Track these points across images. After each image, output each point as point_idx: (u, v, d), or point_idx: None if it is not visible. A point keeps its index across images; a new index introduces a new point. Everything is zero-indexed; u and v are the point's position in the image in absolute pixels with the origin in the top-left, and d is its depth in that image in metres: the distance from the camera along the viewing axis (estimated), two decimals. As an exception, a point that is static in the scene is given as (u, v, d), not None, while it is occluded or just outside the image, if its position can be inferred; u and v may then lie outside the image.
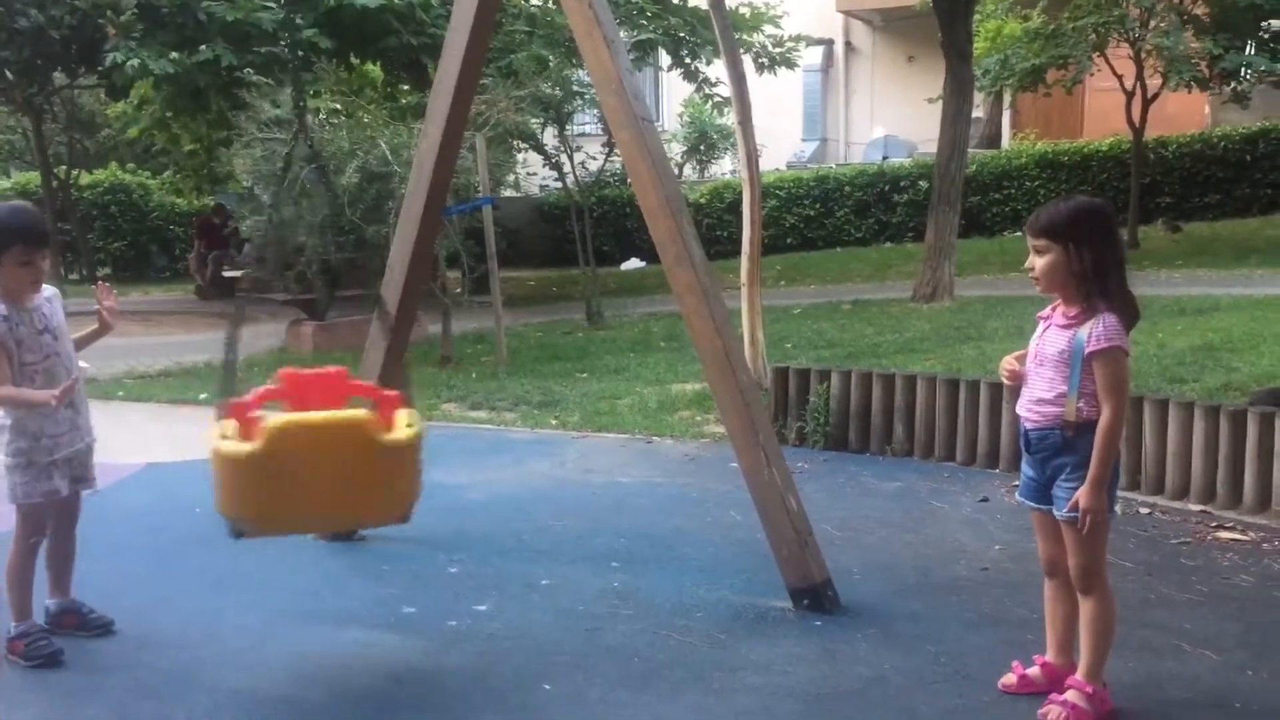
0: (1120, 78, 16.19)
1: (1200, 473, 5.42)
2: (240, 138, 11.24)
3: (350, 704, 3.63)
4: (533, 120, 13.29)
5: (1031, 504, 3.46)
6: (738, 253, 8.33)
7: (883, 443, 6.64)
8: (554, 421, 7.88)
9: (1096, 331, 3.21)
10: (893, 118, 23.09)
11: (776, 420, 6.79)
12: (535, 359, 10.66)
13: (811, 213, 20.21)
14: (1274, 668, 3.69)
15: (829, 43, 24.21)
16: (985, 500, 5.64)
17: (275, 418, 3.60)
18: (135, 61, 13.17)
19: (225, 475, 3.53)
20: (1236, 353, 8.01)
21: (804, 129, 24.56)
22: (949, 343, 9.71)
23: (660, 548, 5.05)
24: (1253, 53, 16.21)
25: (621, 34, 7.67)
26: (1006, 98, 20.72)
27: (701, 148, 20.58)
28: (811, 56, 22.00)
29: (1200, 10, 15.94)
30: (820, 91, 24.57)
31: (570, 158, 14.25)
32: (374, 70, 17.00)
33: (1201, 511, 5.31)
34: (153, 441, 7.38)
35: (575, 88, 13.99)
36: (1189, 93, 16.70)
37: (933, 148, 13.65)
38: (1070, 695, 3.33)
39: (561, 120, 13.98)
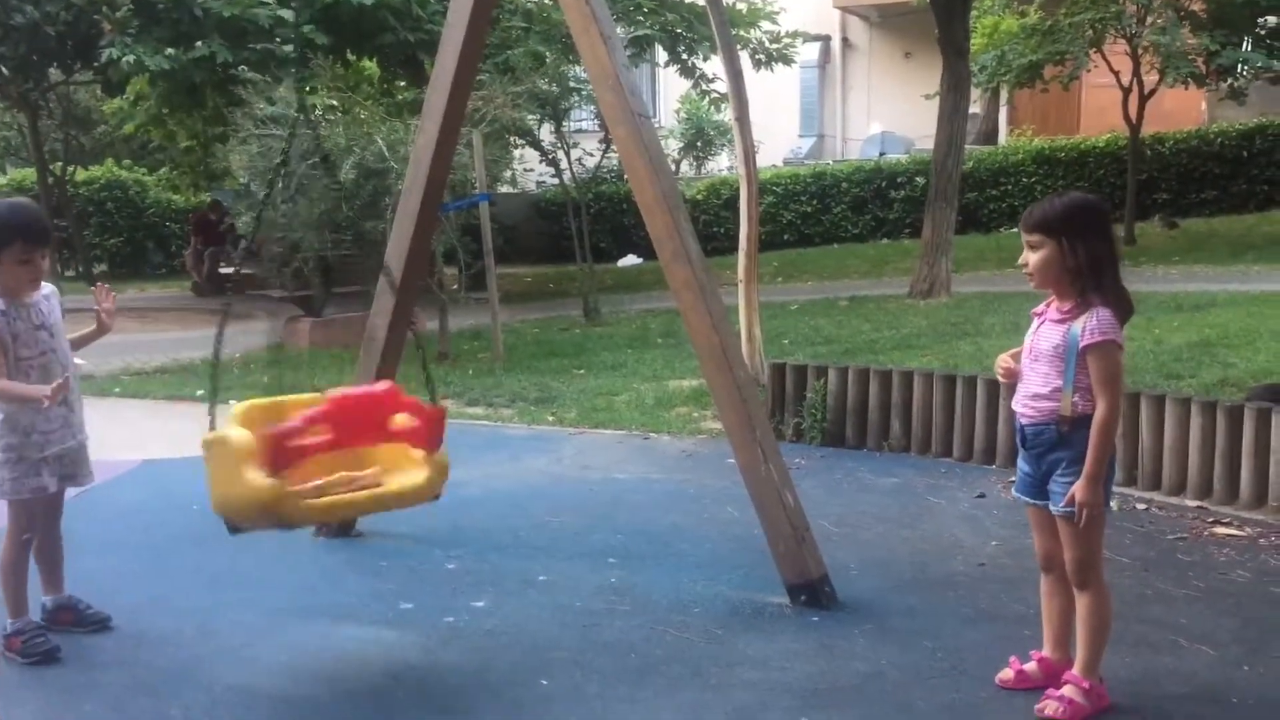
0: (1117, 74, 16.19)
1: (1197, 468, 5.42)
2: (236, 134, 11.23)
3: (347, 700, 3.63)
4: (529, 116, 13.28)
5: (1027, 499, 3.46)
6: (735, 249, 8.32)
7: (880, 439, 6.64)
8: (551, 418, 7.88)
9: (1090, 325, 3.22)
10: (890, 114, 23.09)
11: (774, 416, 6.79)
12: (532, 355, 10.65)
13: (808, 209, 20.22)
14: (1270, 662, 3.69)
15: (826, 39, 24.21)
16: (982, 496, 5.65)
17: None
18: (131, 58, 13.15)
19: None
20: (1233, 348, 8.01)
21: (801, 125, 24.57)
22: (946, 339, 9.71)
23: (657, 544, 5.05)
24: (1249, 49, 16.22)
25: (618, 30, 7.66)
26: (1003, 94, 20.72)
27: (698, 144, 20.60)
28: (808, 53, 22.01)
29: (1197, 6, 15.94)
30: (817, 88, 24.57)
31: (567, 154, 14.25)
32: (370, 66, 16.98)
33: (1198, 507, 5.31)
34: (149, 438, 7.37)
35: (572, 84, 13.99)
36: (1186, 89, 16.71)
37: (930, 144, 13.64)
38: (1067, 690, 3.34)
39: (558, 116, 13.98)
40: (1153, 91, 16.29)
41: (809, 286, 15.09)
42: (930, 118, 13.52)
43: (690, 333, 4.48)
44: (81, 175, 22.32)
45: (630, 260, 19.71)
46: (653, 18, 15.10)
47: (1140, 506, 5.41)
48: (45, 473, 3.91)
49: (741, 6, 16.72)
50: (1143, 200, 17.59)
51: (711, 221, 19.40)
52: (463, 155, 9.96)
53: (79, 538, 4.47)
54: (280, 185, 9.90)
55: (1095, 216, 3.33)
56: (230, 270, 17.06)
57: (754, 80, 11.71)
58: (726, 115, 16.28)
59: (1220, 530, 5.03)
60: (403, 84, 16.81)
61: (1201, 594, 4.31)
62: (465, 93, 5.10)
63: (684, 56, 16.04)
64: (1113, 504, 5.30)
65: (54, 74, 17.93)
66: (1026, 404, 3.38)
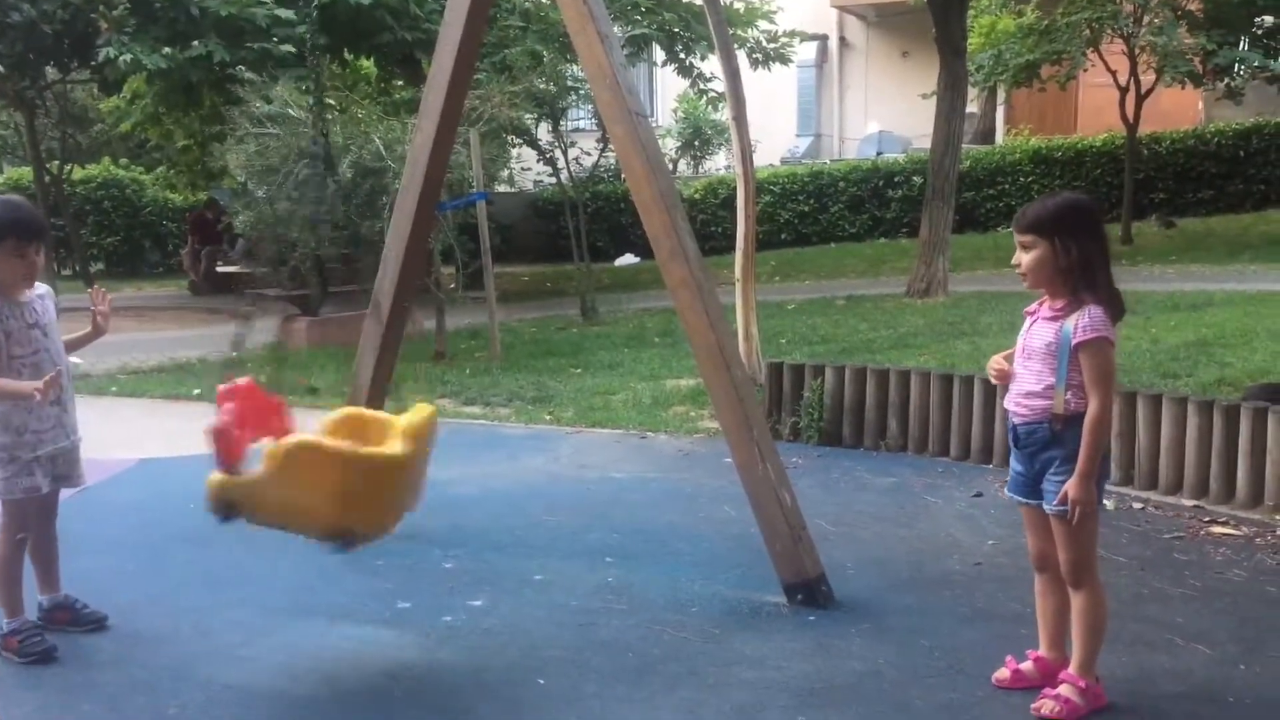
0: (1114, 73, 16.21)
1: (1193, 468, 5.43)
2: (234, 133, 11.23)
3: (344, 699, 3.63)
4: (527, 115, 13.28)
5: (1021, 499, 3.47)
6: (732, 248, 8.33)
7: (877, 438, 6.65)
8: (548, 417, 7.88)
9: (1082, 323, 3.23)
10: (887, 113, 23.10)
11: (771, 416, 6.80)
12: (529, 354, 10.65)
13: (806, 208, 20.22)
14: (1267, 661, 3.70)
15: (823, 38, 24.21)
16: (979, 495, 5.65)
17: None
18: (128, 57, 13.13)
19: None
20: (1230, 348, 8.03)
21: (798, 124, 24.57)
22: (943, 338, 9.72)
23: (654, 543, 5.05)
24: (1246, 48, 16.24)
25: (616, 29, 7.67)
26: (1000, 93, 20.74)
27: (696, 143, 20.59)
28: (806, 52, 22.01)
29: (1194, 6, 15.96)
30: (815, 87, 24.58)
31: (564, 153, 14.24)
32: (368, 66, 16.97)
33: (1195, 506, 5.32)
34: (146, 437, 7.37)
35: (569, 83, 13.98)
36: (1182, 89, 16.73)
37: (927, 143, 13.65)
38: (1063, 689, 3.34)
39: (556, 115, 13.97)
40: (1149, 91, 16.30)
41: (806, 286, 15.09)
42: (927, 117, 13.53)
43: (687, 332, 4.48)
44: (78, 174, 22.28)
45: (627, 259, 19.71)
46: (650, 17, 15.10)
47: (1137, 506, 5.42)
48: (38, 473, 3.90)
49: (739, 6, 16.73)
50: (1140, 200, 17.61)
51: (709, 221, 19.40)
52: (460, 154, 9.96)
53: (76, 537, 4.46)
54: (284, 183, 9.92)
55: (1087, 216, 3.34)
56: (231, 269, 17.03)
57: (751, 79, 11.71)
58: (724, 114, 16.26)
59: (1217, 529, 5.03)
60: (400, 83, 16.81)
61: (1198, 593, 4.32)
62: (462, 92, 5.10)
63: (681, 56, 16.04)
64: (1109, 503, 5.34)
65: (51, 72, 17.89)
66: (1019, 402, 3.38)
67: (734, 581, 4.52)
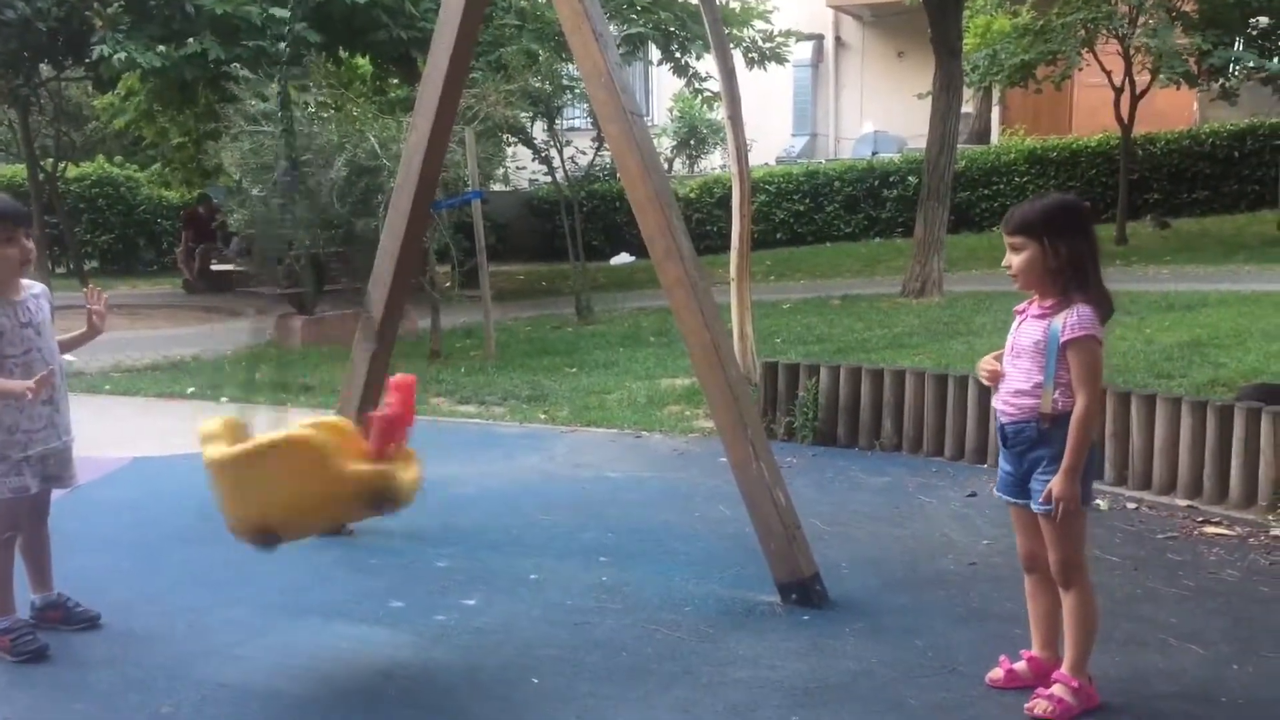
0: (1109, 74, 16.23)
1: (1187, 468, 5.43)
2: (229, 131, 11.21)
3: (338, 698, 3.62)
4: (522, 114, 13.26)
5: (1009, 498, 3.48)
6: (727, 247, 8.33)
7: (871, 438, 6.65)
8: (543, 416, 7.88)
9: (1070, 321, 3.24)
10: (882, 113, 23.11)
11: (765, 415, 6.80)
12: (524, 353, 10.64)
13: (801, 208, 20.22)
14: (1259, 661, 3.70)
15: (819, 38, 24.22)
16: (973, 495, 5.66)
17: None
18: (122, 55, 13.11)
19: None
20: (1223, 348, 8.03)
21: (794, 124, 24.57)
22: (938, 338, 9.73)
23: (649, 542, 5.05)
24: (1241, 49, 16.26)
25: (611, 28, 7.68)
26: (996, 93, 20.76)
27: (691, 142, 20.62)
28: (801, 51, 22.02)
29: (1189, 6, 15.98)
30: (810, 86, 24.59)
31: (560, 152, 14.23)
32: (363, 64, 16.94)
33: (1188, 506, 5.33)
34: (140, 436, 7.35)
35: (565, 82, 13.97)
36: (1177, 89, 16.75)
37: (922, 143, 13.65)
38: (1056, 689, 3.35)
39: (551, 114, 13.95)
40: (1144, 91, 16.32)
41: (801, 285, 15.09)
42: (923, 117, 13.53)
43: (682, 331, 4.48)
44: (73, 171, 22.23)
45: (623, 258, 19.71)
46: (646, 16, 15.09)
47: (1130, 506, 5.42)
48: (27, 473, 3.88)
49: (735, 5, 16.72)
50: (1134, 200, 17.64)
51: (704, 220, 19.40)
52: (455, 153, 9.95)
53: (69, 535, 4.46)
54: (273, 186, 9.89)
55: (1075, 216, 3.35)
56: (227, 267, 17.01)
57: (747, 79, 11.72)
58: (719, 114, 16.30)
59: (1210, 529, 5.04)
60: (395, 81, 16.79)
61: (1191, 593, 4.33)
62: (457, 90, 5.09)
63: (677, 55, 16.03)
64: (1102, 503, 5.36)
65: (45, 70, 17.86)
66: (1007, 400, 3.39)
67: (729, 581, 4.52)
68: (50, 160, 19.96)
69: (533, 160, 15.05)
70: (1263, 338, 8.34)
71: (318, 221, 10.29)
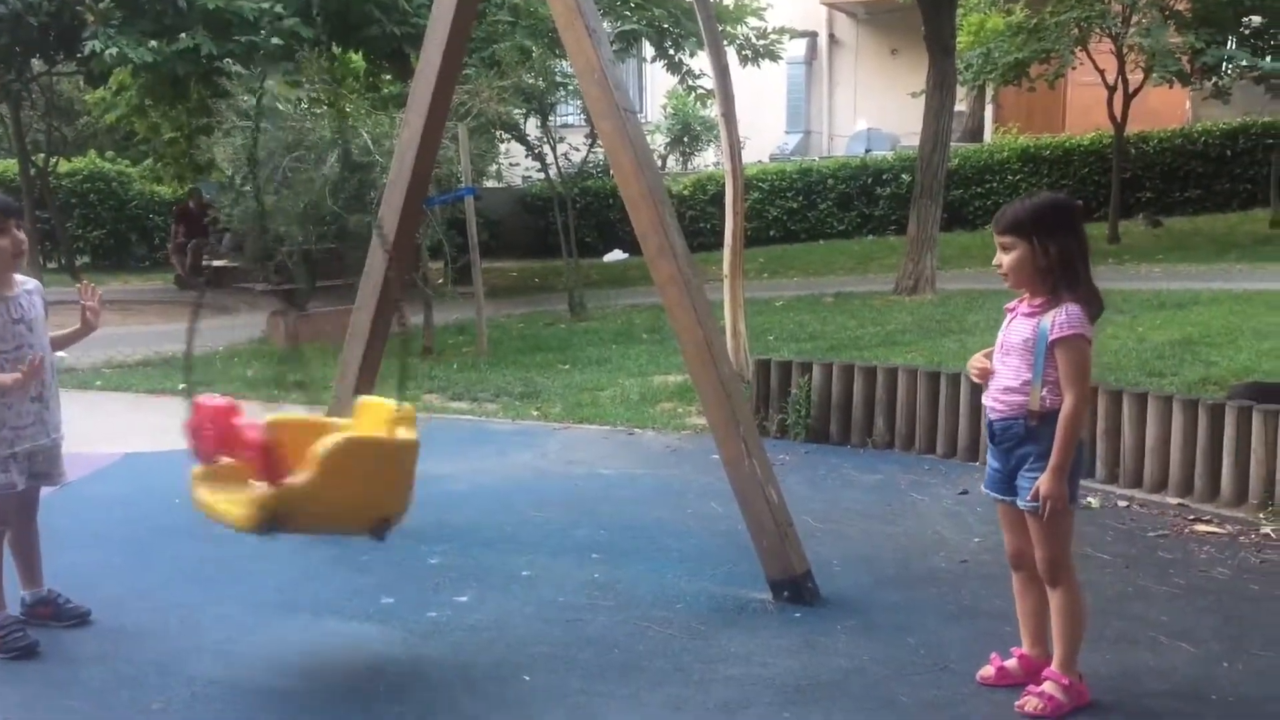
0: (1102, 72, 16.26)
1: (1178, 466, 5.45)
2: (221, 126, 11.18)
3: (329, 694, 3.62)
4: (515, 111, 13.25)
5: (997, 495, 3.48)
6: (720, 245, 8.32)
7: (864, 435, 6.66)
8: (536, 413, 7.88)
9: (1059, 320, 3.24)
10: (876, 111, 23.12)
11: (758, 412, 6.80)
12: (517, 350, 10.64)
13: (794, 205, 20.23)
14: (1249, 659, 3.72)
15: (813, 35, 24.20)
16: (965, 493, 5.67)
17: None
18: (114, 49, 13.07)
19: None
20: (1215, 347, 8.06)
21: (787, 121, 24.56)
22: (930, 336, 9.74)
23: (641, 539, 5.05)
24: (1234, 48, 16.30)
25: (605, 25, 7.66)
26: (989, 91, 20.76)
27: (685, 139, 20.56)
28: (795, 49, 22.00)
29: (1182, 5, 16.01)
30: (804, 84, 24.57)
31: (553, 149, 14.22)
32: (356, 60, 16.90)
33: (1179, 504, 5.34)
34: (131, 431, 7.34)
35: (558, 78, 13.95)
36: (1170, 88, 16.78)
37: (915, 141, 13.67)
38: (1047, 687, 3.35)
39: (544, 111, 13.95)
40: (1137, 90, 16.35)
41: (794, 283, 15.09)
42: (916, 115, 13.55)
43: (675, 328, 4.48)
44: (64, 166, 22.16)
45: (616, 255, 19.69)
46: (639, 13, 15.07)
47: (1121, 504, 5.44)
48: (14, 470, 3.87)
49: (728, 2, 16.69)
50: (1127, 198, 17.68)
51: (698, 217, 19.39)
52: (448, 149, 9.94)
53: (60, 531, 4.45)
54: (270, 177, 9.88)
55: (1065, 215, 3.35)
56: (220, 263, 16.96)
57: (740, 76, 11.71)
58: (713, 111, 16.26)
59: (1201, 528, 5.05)
60: (388, 77, 16.76)
61: (1182, 591, 4.34)
62: (450, 86, 5.08)
63: (671, 52, 16.01)
64: (1094, 500, 5.37)
65: (36, 64, 17.80)
66: (996, 397, 3.40)
67: (721, 578, 4.52)
68: (42, 155, 19.90)
69: (526, 157, 15.04)
70: (1254, 336, 8.36)
71: (311, 218, 10.28)
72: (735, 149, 7.92)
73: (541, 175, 15.19)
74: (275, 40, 13.13)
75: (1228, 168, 18.36)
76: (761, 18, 16.99)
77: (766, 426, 6.78)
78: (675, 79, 16.78)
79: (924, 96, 13.06)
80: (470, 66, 11.94)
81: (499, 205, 20.06)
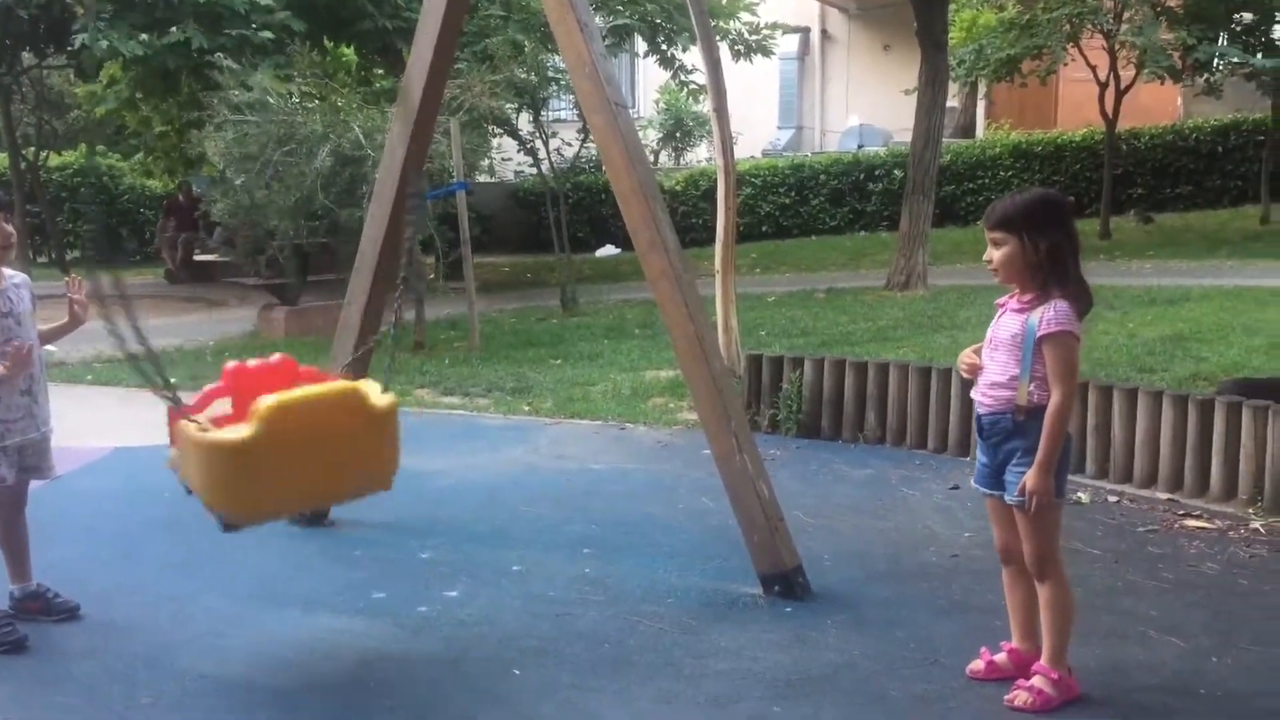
0: (1094, 69, 16.29)
1: (1168, 461, 5.46)
2: (212, 120, 11.15)
3: (319, 689, 3.61)
4: (507, 105, 13.23)
5: (986, 490, 3.49)
6: (712, 240, 8.33)
7: (855, 430, 6.66)
8: (527, 408, 7.87)
9: (1048, 316, 3.25)
10: (868, 106, 23.13)
11: (749, 407, 6.80)
12: (509, 345, 10.63)
13: (786, 200, 20.24)
14: (1239, 654, 3.72)
15: (805, 31, 24.22)
16: (956, 488, 5.67)
17: (265, 399, 3.45)
18: (104, 43, 13.02)
19: (215, 468, 3.44)
20: (1205, 343, 8.08)
21: (779, 117, 24.58)
22: (922, 331, 9.75)
23: (632, 534, 5.05)
24: (1225, 44, 16.33)
25: (597, 19, 7.66)
26: (981, 88, 20.80)
27: (677, 134, 20.59)
28: (788, 44, 22.01)
29: (1174, 2, 16.04)
30: (796, 79, 24.59)
31: (545, 143, 14.21)
32: (348, 54, 16.86)
33: (1169, 500, 5.35)
34: (121, 426, 7.32)
35: (551, 73, 13.94)
36: (1162, 84, 16.82)
37: (908, 136, 13.68)
38: (1036, 681, 3.36)
39: (536, 105, 13.94)
40: (1129, 86, 16.39)
41: (786, 278, 15.11)
42: (908, 111, 13.56)
43: (667, 323, 4.47)
44: (55, 160, 22.09)
45: (608, 250, 19.69)
46: (632, 7, 15.06)
47: (1111, 499, 5.45)
48: (4, 463, 3.86)
49: (721, -3, 16.70)
50: (1118, 195, 17.71)
51: (689, 212, 19.39)
52: (440, 144, 9.92)
53: (50, 525, 4.44)
54: (263, 171, 9.86)
55: (1056, 211, 3.36)
56: (210, 258, 16.94)
57: (733, 71, 11.70)
58: (705, 106, 16.25)
59: (1190, 523, 5.06)
60: (380, 72, 16.72)
61: (1171, 586, 4.35)
62: (442, 81, 5.07)
63: (663, 47, 16.01)
64: (1084, 495, 5.38)
65: (26, 58, 17.75)
66: (985, 392, 3.41)
67: (711, 573, 4.53)
68: (32, 149, 19.83)
69: (518, 151, 15.03)
70: (1244, 332, 8.39)
71: (302, 212, 10.26)
72: (727, 144, 7.93)
73: (533, 170, 15.19)
74: (266, 34, 13.10)
75: (1219, 164, 18.41)
76: (754, 13, 16.99)
77: (758, 422, 6.78)
78: (667, 74, 16.79)
79: (916, 92, 13.07)
80: (462, 61, 11.92)
81: (491, 200, 20.05)
